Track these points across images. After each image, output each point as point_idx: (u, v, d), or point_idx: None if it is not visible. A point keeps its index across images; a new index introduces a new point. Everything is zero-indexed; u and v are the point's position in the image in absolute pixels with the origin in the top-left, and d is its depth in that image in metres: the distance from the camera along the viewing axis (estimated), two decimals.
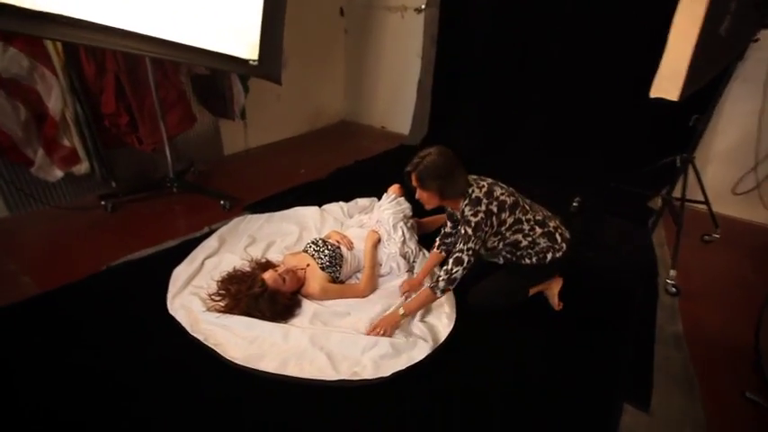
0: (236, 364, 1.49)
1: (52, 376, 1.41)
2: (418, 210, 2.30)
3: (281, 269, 1.75)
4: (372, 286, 1.86)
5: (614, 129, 2.89)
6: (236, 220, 2.34)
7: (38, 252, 2.07)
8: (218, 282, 1.77)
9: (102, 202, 2.35)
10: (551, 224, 1.70)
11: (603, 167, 2.87)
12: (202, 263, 1.99)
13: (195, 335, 1.59)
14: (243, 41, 2.25)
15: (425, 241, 2.17)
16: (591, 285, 2.00)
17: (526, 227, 1.64)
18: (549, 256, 1.67)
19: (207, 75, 2.78)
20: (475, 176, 1.67)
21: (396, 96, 3.96)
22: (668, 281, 2.06)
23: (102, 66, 2.22)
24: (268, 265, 1.89)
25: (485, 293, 1.77)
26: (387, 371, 1.47)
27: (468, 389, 1.45)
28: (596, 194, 2.75)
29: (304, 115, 3.96)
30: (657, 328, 1.82)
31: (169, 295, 1.78)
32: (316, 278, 1.80)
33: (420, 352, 1.53)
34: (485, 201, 1.55)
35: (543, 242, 1.66)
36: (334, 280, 1.84)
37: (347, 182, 2.99)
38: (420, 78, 3.65)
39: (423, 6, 3.47)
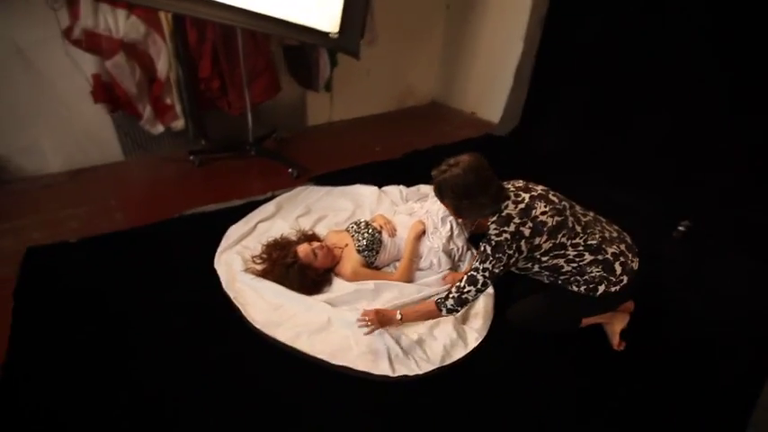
0: (254, 326, 1.55)
1: (84, 304, 1.63)
2: None
3: (315, 244, 1.76)
4: (407, 278, 1.76)
5: (752, 141, 2.25)
6: (297, 189, 2.43)
7: (134, 193, 2.42)
8: (262, 245, 1.86)
9: (191, 157, 2.63)
10: (611, 250, 1.38)
11: (731, 186, 2.28)
12: (255, 225, 2.11)
13: (227, 291, 1.70)
14: (326, 14, 2.25)
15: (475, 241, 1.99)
16: (677, 335, 1.62)
17: (571, 252, 1.36)
18: (602, 288, 1.38)
19: (297, 46, 2.87)
20: (522, 184, 1.43)
21: (491, 81, 3.64)
22: None
23: (203, 34, 2.43)
24: (312, 238, 1.93)
25: (524, 313, 1.55)
26: (391, 371, 1.39)
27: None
28: (714, 219, 2.21)
29: (392, 93, 3.90)
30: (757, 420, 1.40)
31: (219, 249, 1.93)
32: (350, 259, 1.78)
33: (425, 366, 1.42)
34: (516, 221, 1.32)
35: (595, 271, 1.37)
36: (369, 264, 1.79)
37: (419, 166, 2.85)
38: (519, 64, 3.29)
39: None
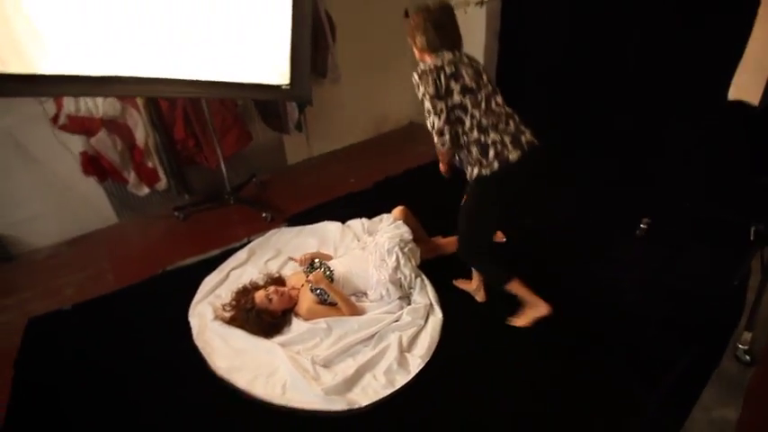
0: (216, 372, 1.71)
1: (76, 367, 1.82)
2: (431, 228, 2.22)
3: (271, 289, 1.90)
4: (353, 313, 1.87)
5: (705, 140, 2.23)
6: (270, 233, 2.60)
7: (125, 254, 2.66)
8: (232, 293, 2.02)
9: (175, 213, 2.87)
10: (492, 136, 1.56)
11: (688, 182, 2.26)
12: (228, 274, 2.28)
13: (197, 341, 1.87)
14: (274, 68, 2.44)
15: (432, 266, 2.09)
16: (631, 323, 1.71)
17: (467, 122, 1.56)
18: (475, 171, 1.59)
19: None
20: (467, 59, 1.60)
21: None
22: (740, 345, 1.57)
23: (173, 101, 2.69)
24: (278, 281, 2.08)
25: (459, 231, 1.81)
26: (334, 406, 1.51)
27: None
28: (672, 217, 2.21)
29: (369, 121, 4.06)
30: (700, 407, 1.43)
31: (193, 301, 2.11)
32: (305, 299, 1.91)
33: (366, 398, 1.52)
34: (446, 59, 1.53)
35: (474, 151, 1.58)
36: (323, 302, 1.92)
37: (390, 193, 3.00)
38: None
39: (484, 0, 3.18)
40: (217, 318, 1.96)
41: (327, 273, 1.94)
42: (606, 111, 2.66)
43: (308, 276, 1.94)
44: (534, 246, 2.28)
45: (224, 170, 2.86)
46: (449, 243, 2.22)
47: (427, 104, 1.53)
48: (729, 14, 1.75)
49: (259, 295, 1.88)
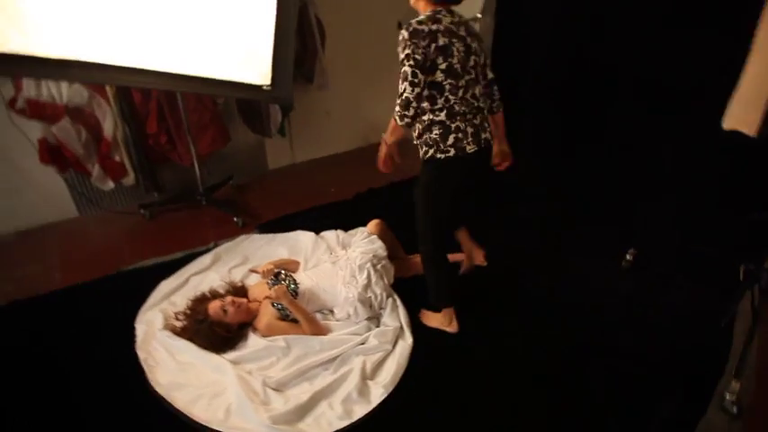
0: (154, 389, 1.53)
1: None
2: (411, 246, 2.10)
3: (228, 299, 1.75)
4: (315, 332, 1.72)
5: (696, 170, 2.16)
6: (239, 239, 2.44)
7: (80, 250, 2.47)
8: (188, 300, 1.85)
9: (141, 210, 2.69)
10: (457, 124, 1.50)
11: (675, 217, 2.19)
12: (187, 279, 2.11)
13: (139, 351, 1.69)
14: (256, 68, 2.33)
15: (406, 286, 1.96)
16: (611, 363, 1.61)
17: (439, 103, 1.49)
18: (430, 152, 1.54)
19: None
20: (464, 30, 1.50)
21: None
22: (727, 394, 1.46)
23: (148, 93, 2.54)
24: (241, 291, 1.92)
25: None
26: None
27: None
28: (659, 250, 2.12)
29: (357, 130, 3.95)
30: None
31: (144, 307, 1.93)
32: (266, 313, 1.76)
33: (318, 430, 1.37)
34: (438, 31, 1.41)
35: (435, 132, 1.52)
36: (285, 318, 1.76)
37: (369, 206, 2.87)
38: None
39: (478, 15, 3.13)
40: (166, 327, 1.78)
41: (292, 286, 1.79)
42: (598, 132, 2.59)
43: (270, 288, 1.79)
44: (514, 273, 2.17)
45: (197, 169, 2.71)
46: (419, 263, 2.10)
47: (406, 69, 1.41)
48: (724, 35, 1.69)
49: (213, 306, 1.71)
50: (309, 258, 2.21)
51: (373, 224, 1.99)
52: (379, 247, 1.88)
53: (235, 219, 2.64)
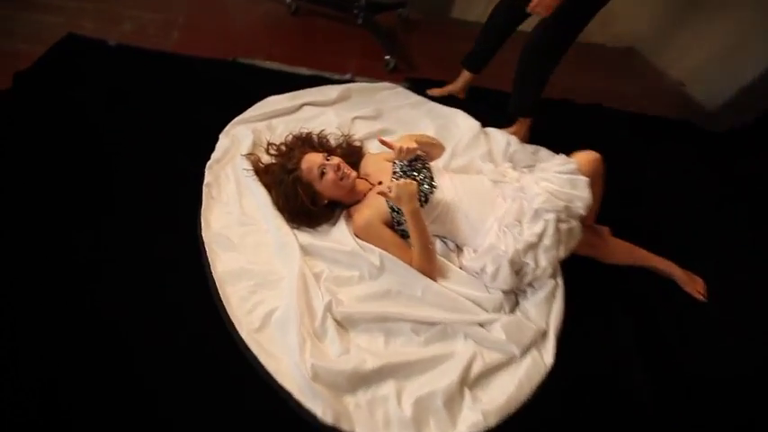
0: (202, 238, 1.12)
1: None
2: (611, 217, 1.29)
3: (335, 160, 1.17)
4: (425, 267, 1.09)
5: None
6: (381, 84, 1.78)
7: (205, 19, 2.04)
8: (290, 134, 1.34)
9: (288, 1, 2.12)
10: None
11: None
12: (301, 106, 1.59)
13: (207, 172, 1.28)
14: None
15: (579, 272, 1.21)
16: None
17: None
18: None
19: None
20: None
21: (730, 48, 2.20)
22: None
23: None
24: (356, 153, 1.35)
25: None
26: (306, 402, 0.87)
27: None
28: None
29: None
30: None
31: (237, 118, 1.48)
32: (371, 206, 1.17)
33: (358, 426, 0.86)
34: None
35: None
36: (395, 226, 1.16)
37: (561, 120, 1.92)
38: None
39: None
40: (250, 156, 1.31)
41: (425, 187, 1.15)
42: None
43: (393, 178, 1.17)
44: None
45: None
46: (631, 254, 1.28)
47: None
48: None
49: (311, 159, 1.16)
50: (459, 154, 1.50)
51: (588, 158, 1.15)
52: (579, 195, 1.08)
53: (387, 57, 1.94)
